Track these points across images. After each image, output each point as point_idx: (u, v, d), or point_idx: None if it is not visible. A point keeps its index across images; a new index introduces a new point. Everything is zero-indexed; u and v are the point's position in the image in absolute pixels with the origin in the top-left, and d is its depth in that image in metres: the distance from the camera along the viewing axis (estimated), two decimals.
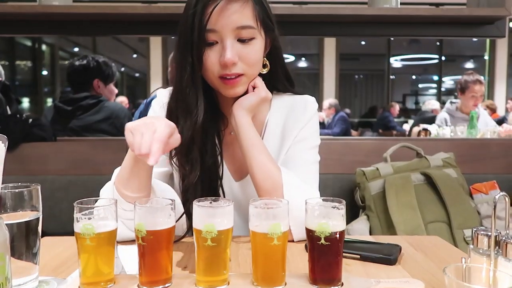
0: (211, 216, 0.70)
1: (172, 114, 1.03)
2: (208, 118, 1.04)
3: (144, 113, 2.31)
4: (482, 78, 3.56)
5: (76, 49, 10.59)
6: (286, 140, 1.11)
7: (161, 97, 1.12)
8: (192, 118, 1.00)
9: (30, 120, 1.91)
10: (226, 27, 0.95)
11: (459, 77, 3.71)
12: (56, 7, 1.93)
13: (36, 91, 9.19)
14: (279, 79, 1.12)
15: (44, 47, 9.64)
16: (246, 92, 1.05)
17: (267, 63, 1.08)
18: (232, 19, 0.94)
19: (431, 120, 3.94)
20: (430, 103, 6.36)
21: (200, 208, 0.71)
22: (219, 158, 1.07)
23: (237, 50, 0.97)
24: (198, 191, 1.00)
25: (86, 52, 10.19)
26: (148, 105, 2.34)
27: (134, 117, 2.41)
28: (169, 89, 1.10)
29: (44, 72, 9.73)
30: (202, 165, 1.02)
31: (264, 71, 1.07)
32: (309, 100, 1.15)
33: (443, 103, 6.70)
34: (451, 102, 3.71)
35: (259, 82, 1.06)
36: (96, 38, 9.27)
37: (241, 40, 0.97)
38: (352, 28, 2.12)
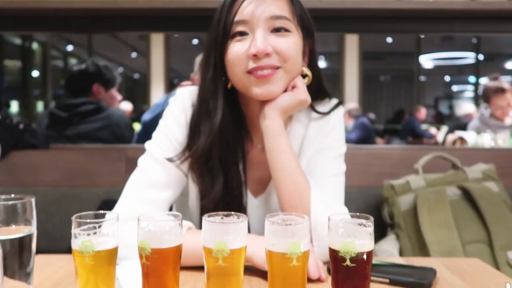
0: (223, 233, 0.70)
1: (195, 122, 1.06)
2: (231, 128, 1.04)
3: (157, 114, 2.35)
4: (507, 85, 3.38)
5: (70, 48, 10.77)
6: (306, 150, 1.12)
7: (182, 99, 1.11)
8: (211, 122, 1.02)
9: (21, 125, 1.95)
10: (257, 16, 0.96)
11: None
12: (49, 2, 1.98)
13: (26, 93, 9.35)
14: (310, 93, 1.09)
15: (35, 45, 9.82)
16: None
17: (308, 73, 1.07)
18: (264, 7, 0.97)
19: (467, 126, 3.87)
20: (463, 107, 6.30)
21: (210, 224, 0.72)
22: (243, 181, 1.08)
23: (270, 41, 0.97)
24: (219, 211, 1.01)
25: (80, 50, 10.37)
26: (162, 105, 2.37)
27: (142, 121, 2.46)
28: (190, 89, 1.11)
29: (35, 73, 9.90)
30: (224, 186, 1.03)
31: (305, 81, 1.06)
32: (334, 104, 1.16)
33: None
34: (486, 108, 3.57)
35: (300, 82, 1.04)
36: (92, 36, 9.41)
37: (276, 32, 0.98)
38: (377, 24, 2.13)
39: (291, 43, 0.99)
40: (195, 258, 0.84)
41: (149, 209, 1.01)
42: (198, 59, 2.48)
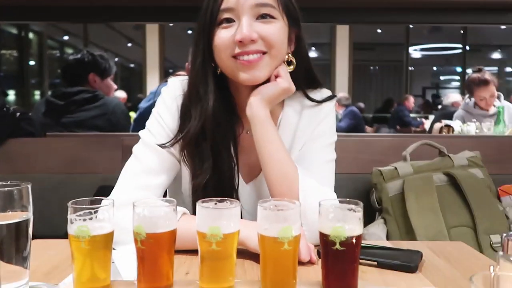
0: (216, 218, 0.70)
1: (186, 107, 1.06)
2: (222, 112, 1.04)
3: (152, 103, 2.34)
4: (489, 77, 3.35)
5: (66, 38, 10.63)
6: (298, 139, 1.12)
7: (173, 88, 1.11)
8: (202, 106, 1.02)
9: (18, 114, 1.93)
10: (243, 4, 0.97)
11: (485, 68, 3.61)
12: None
13: (23, 83, 9.24)
14: (299, 80, 1.09)
15: (31, 35, 9.68)
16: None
17: (293, 60, 1.07)
18: None
19: (453, 115, 3.88)
20: (450, 96, 6.32)
21: (204, 209, 0.72)
22: (234, 164, 1.07)
23: (256, 28, 0.98)
24: (210, 194, 1.00)
25: (76, 40, 10.24)
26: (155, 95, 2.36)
27: (139, 110, 2.45)
28: (181, 79, 1.11)
29: (31, 62, 9.78)
30: (215, 169, 1.03)
31: (290, 68, 1.06)
32: (325, 94, 1.16)
33: None
34: (470, 97, 3.57)
35: (283, 71, 1.04)
36: (88, 26, 9.29)
37: (261, 19, 0.99)
38: (368, 15, 2.12)
39: (276, 30, 1.00)
40: (190, 242, 0.84)
41: (144, 195, 1.01)
42: None
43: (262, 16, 0.99)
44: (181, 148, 1.06)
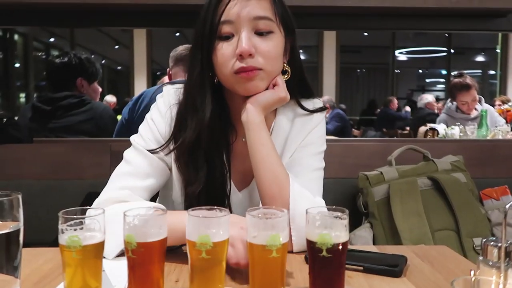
0: (206, 227, 0.71)
1: (181, 115, 1.07)
2: (217, 121, 1.06)
3: (133, 109, 2.32)
4: (471, 81, 3.43)
5: (52, 40, 10.52)
6: (289, 146, 1.14)
7: (168, 97, 1.12)
8: (199, 116, 1.03)
9: (4, 119, 1.91)
10: (243, 17, 0.98)
11: (469, 71, 3.66)
12: None
13: (8, 85, 9.12)
14: (293, 89, 1.11)
15: (16, 37, 9.56)
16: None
17: (288, 69, 1.09)
18: (248, 9, 0.98)
19: (428, 116, 3.92)
20: (423, 97, 6.36)
21: (193, 218, 0.73)
22: (226, 171, 1.09)
23: (254, 43, 0.99)
24: (202, 201, 1.01)
25: (63, 42, 10.15)
26: (137, 102, 2.34)
27: (122, 113, 2.43)
28: (176, 87, 1.13)
29: (17, 65, 9.65)
30: (207, 176, 1.04)
31: (285, 77, 1.09)
32: (317, 104, 1.18)
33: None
34: (452, 101, 3.65)
35: (280, 80, 1.07)
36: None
37: (259, 34, 1.00)
38: (354, 21, 2.15)
39: (273, 46, 1.02)
40: (174, 237, 0.84)
41: (126, 194, 1.01)
42: (173, 54, 2.47)
43: (261, 33, 1.00)
44: (176, 158, 1.07)
